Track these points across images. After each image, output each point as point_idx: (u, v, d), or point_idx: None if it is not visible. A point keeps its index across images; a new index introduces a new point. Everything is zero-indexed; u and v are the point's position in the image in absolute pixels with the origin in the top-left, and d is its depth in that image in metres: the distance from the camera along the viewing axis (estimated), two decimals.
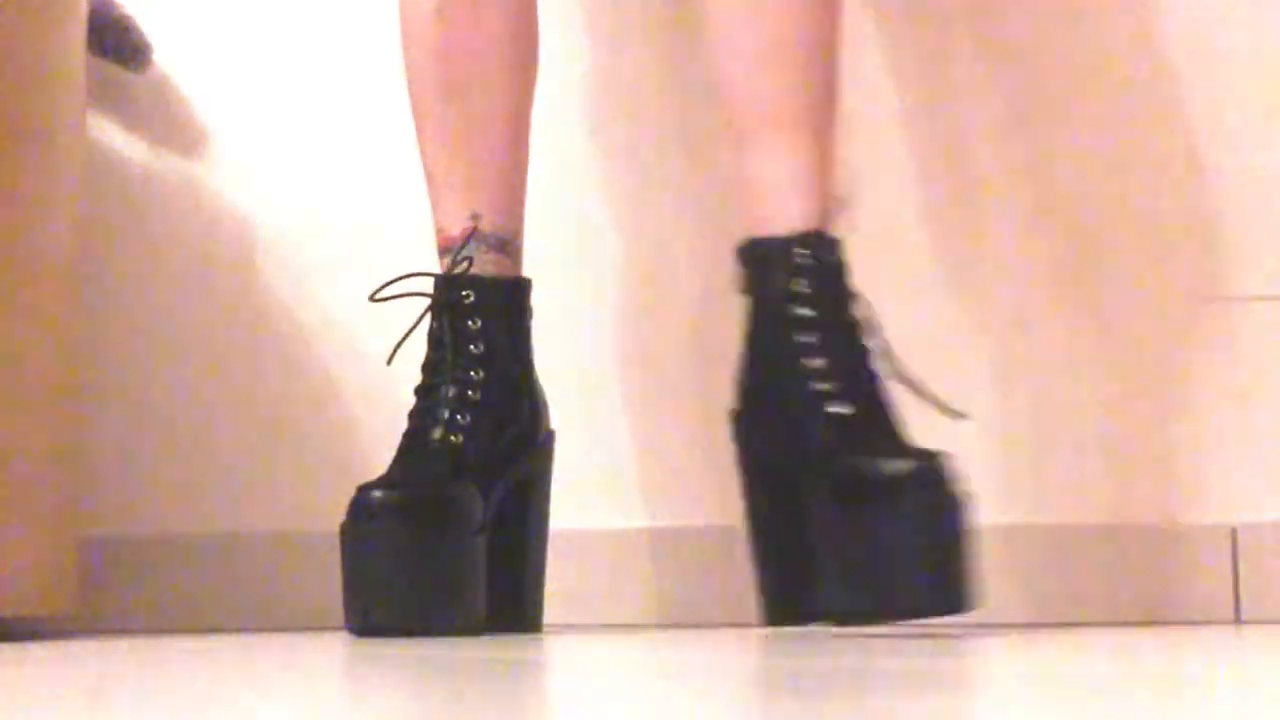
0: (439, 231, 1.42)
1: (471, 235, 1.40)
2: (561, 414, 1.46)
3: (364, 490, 1.32)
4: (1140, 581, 1.51)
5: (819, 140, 1.31)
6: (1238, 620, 1.50)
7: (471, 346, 1.39)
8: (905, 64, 1.58)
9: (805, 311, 1.27)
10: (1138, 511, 1.54)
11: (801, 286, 1.27)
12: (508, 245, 1.42)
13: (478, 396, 1.38)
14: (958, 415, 1.27)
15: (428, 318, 1.40)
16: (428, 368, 1.40)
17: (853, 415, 1.23)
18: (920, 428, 1.27)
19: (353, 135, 1.62)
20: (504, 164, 1.43)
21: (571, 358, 1.56)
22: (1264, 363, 1.54)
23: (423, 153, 1.43)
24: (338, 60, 1.63)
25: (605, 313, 1.58)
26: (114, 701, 0.75)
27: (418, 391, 1.39)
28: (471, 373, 1.38)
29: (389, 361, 1.39)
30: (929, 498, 1.18)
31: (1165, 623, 1.49)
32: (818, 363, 1.25)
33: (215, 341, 1.61)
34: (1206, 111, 1.57)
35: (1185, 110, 1.58)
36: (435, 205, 1.42)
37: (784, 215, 1.30)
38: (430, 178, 1.43)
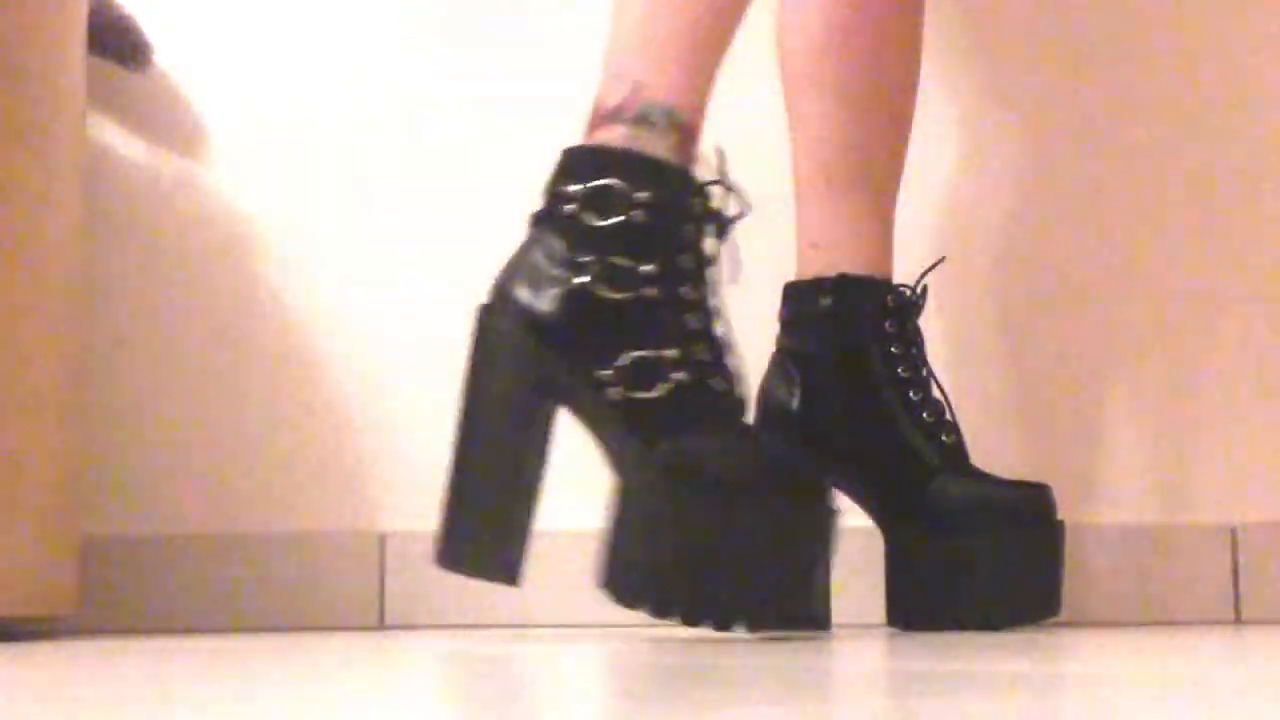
0: (697, 109, 1.18)
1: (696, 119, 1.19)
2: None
3: (797, 466, 1.16)
4: (1140, 581, 1.51)
5: (895, 199, 1.43)
6: (1238, 620, 1.50)
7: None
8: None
9: (896, 349, 1.38)
10: (1138, 511, 1.54)
11: (891, 326, 1.38)
12: None
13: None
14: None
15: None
16: (694, 287, 1.16)
17: (953, 444, 1.37)
18: None
19: (353, 135, 1.62)
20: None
21: None
22: (1264, 363, 1.54)
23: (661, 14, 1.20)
24: (338, 60, 1.63)
25: None
26: (114, 701, 0.75)
27: (682, 330, 1.15)
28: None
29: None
30: (1048, 521, 1.36)
31: (1165, 623, 1.49)
32: (918, 396, 1.38)
33: (215, 341, 1.61)
34: (1207, 111, 1.57)
35: (1186, 110, 1.58)
36: (697, 79, 1.19)
37: (875, 259, 1.40)
38: (689, 43, 1.19)
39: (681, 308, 1.15)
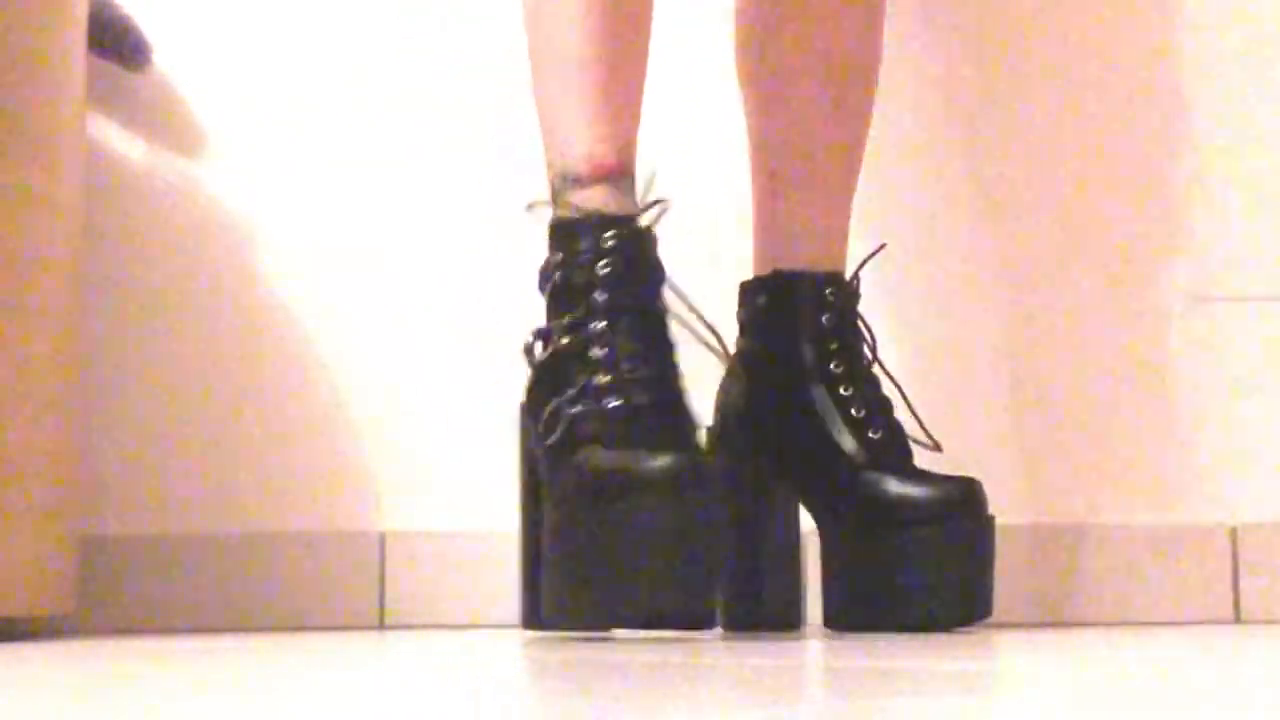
0: (589, 159, 1.26)
1: (623, 170, 1.27)
2: None
3: (691, 458, 1.18)
4: (1140, 581, 1.51)
5: (852, 190, 1.41)
6: (1238, 620, 1.50)
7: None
8: (909, 75, 1.58)
9: (833, 344, 1.36)
10: (1136, 511, 1.54)
11: (829, 320, 1.35)
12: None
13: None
14: (933, 447, 1.35)
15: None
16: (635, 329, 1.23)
17: (882, 440, 1.33)
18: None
19: (352, 135, 1.62)
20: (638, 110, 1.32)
21: None
22: (1261, 363, 1.54)
23: (557, 81, 1.28)
24: (338, 60, 1.63)
25: None
26: (114, 701, 0.75)
27: (616, 362, 1.21)
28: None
29: None
30: (971, 520, 1.30)
31: (1165, 623, 1.49)
32: (849, 391, 1.34)
33: (215, 341, 1.61)
34: (1204, 112, 1.57)
35: (1183, 111, 1.58)
36: (583, 133, 1.27)
37: (820, 255, 1.38)
38: (563, 108, 1.28)
39: (585, 346, 1.21)
